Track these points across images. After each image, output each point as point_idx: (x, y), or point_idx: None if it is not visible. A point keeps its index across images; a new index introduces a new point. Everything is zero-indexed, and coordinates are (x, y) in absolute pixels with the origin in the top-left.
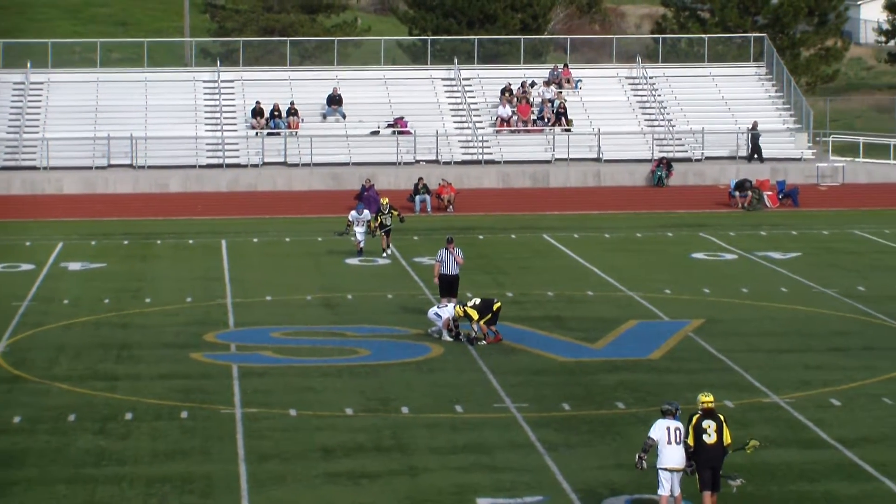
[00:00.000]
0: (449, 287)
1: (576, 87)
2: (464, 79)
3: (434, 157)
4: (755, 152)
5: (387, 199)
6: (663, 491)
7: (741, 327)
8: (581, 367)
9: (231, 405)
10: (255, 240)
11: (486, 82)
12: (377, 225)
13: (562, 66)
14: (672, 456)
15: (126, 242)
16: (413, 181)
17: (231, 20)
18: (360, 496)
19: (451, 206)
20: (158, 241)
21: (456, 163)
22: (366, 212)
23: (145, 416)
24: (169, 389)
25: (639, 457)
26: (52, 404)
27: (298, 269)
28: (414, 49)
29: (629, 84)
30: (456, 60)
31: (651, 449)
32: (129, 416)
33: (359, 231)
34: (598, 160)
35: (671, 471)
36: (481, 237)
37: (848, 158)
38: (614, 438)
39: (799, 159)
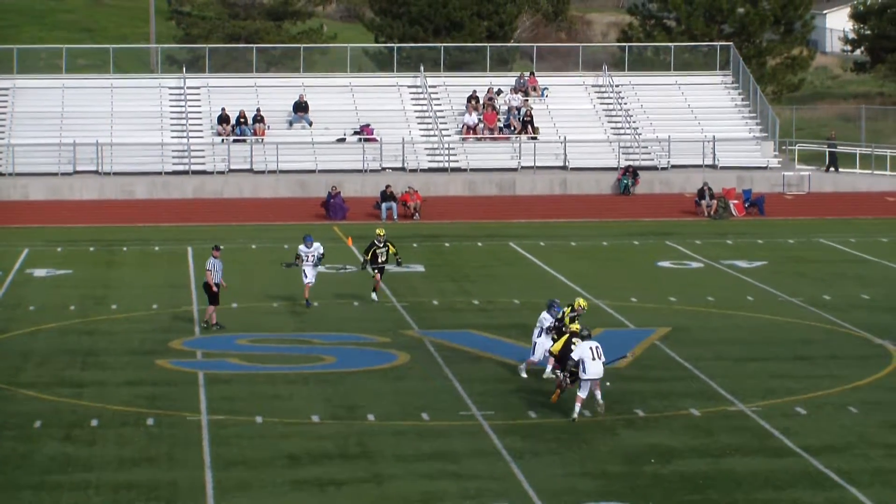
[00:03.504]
0: (215, 296)
1: (542, 94)
2: (430, 86)
3: (400, 165)
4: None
5: (384, 231)
6: (582, 393)
7: (707, 336)
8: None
9: (197, 412)
10: (222, 247)
11: (453, 90)
12: (366, 259)
13: (528, 73)
14: (595, 369)
15: (92, 249)
16: (379, 188)
17: (197, 27)
18: (327, 503)
19: (417, 214)
20: (124, 248)
21: (422, 170)
22: (316, 245)
23: (111, 422)
24: (135, 396)
25: (564, 376)
26: (17, 411)
27: (265, 276)
28: (380, 56)
29: (595, 92)
30: (422, 68)
31: (581, 365)
32: (94, 422)
33: (308, 270)
34: (564, 168)
35: (591, 379)
36: (447, 245)
37: (813, 167)
38: (580, 446)
39: (765, 168)
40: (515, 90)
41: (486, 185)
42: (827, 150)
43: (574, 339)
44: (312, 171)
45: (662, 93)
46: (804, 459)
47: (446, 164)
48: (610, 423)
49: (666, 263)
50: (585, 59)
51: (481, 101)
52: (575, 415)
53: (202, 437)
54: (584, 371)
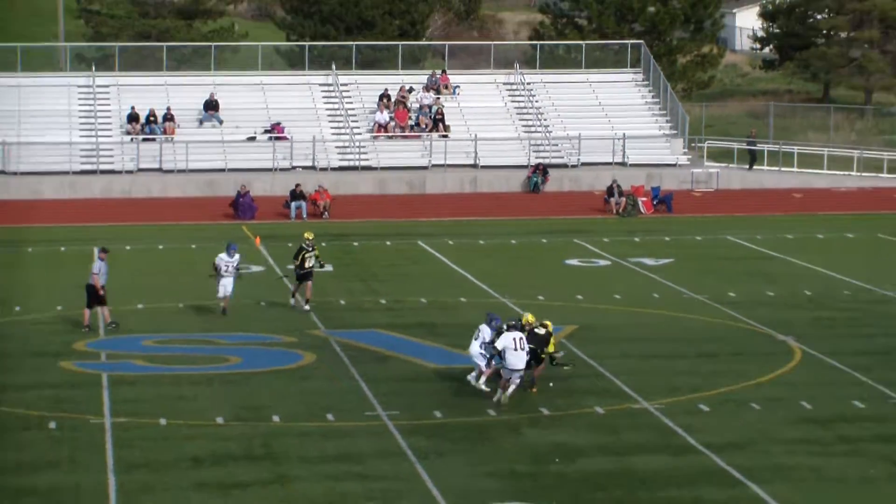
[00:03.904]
0: (101, 298)
1: (453, 93)
2: (341, 84)
3: (311, 164)
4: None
5: (311, 235)
6: (509, 377)
7: (613, 333)
8: (453, 374)
9: (100, 415)
10: (128, 247)
11: (364, 88)
12: (297, 264)
13: (440, 72)
14: (515, 360)
15: None
16: (289, 187)
17: (106, 25)
18: None
19: (326, 213)
20: (30, 249)
21: (333, 169)
22: (237, 256)
23: (12, 426)
24: (37, 399)
25: (488, 361)
26: None
27: (171, 276)
28: (291, 55)
29: (507, 90)
30: (334, 66)
31: (503, 355)
32: None
33: (226, 281)
34: (474, 166)
35: (514, 370)
36: (356, 244)
37: (723, 164)
38: (485, 446)
39: (674, 165)
40: (427, 88)
41: (397, 184)
42: (747, 147)
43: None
44: (222, 170)
45: (573, 90)
46: (707, 456)
47: (357, 163)
48: (515, 421)
49: (574, 261)
50: (497, 58)
51: (393, 100)
52: (499, 397)
53: (105, 440)
54: (505, 361)
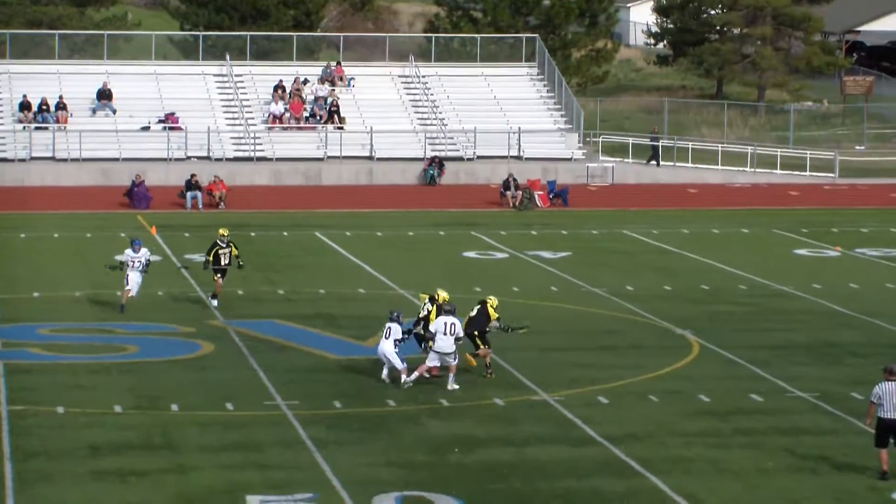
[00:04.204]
0: None
1: (349, 84)
2: (236, 75)
3: (206, 154)
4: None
5: (226, 231)
6: (431, 363)
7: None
8: (352, 364)
9: None
10: (23, 235)
11: (259, 79)
12: (208, 260)
13: (335, 63)
14: (444, 344)
15: None
16: (184, 177)
17: None
18: (128, 494)
19: (222, 203)
20: None
21: (228, 159)
22: (144, 250)
23: None
24: None
25: (426, 346)
26: None
27: (67, 265)
28: (185, 44)
29: (402, 83)
30: (228, 56)
31: (433, 337)
32: None
33: (133, 277)
34: (370, 158)
35: (441, 353)
36: (253, 234)
37: (617, 159)
38: (385, 436)
39: (569, 159)
40: (322, 80)
41: (292, 175)
42: (650, 143)
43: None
44: (116, 160)
45: (468, 84)
46: (605, 448)
47: (252, 154)
48: (414, 412)
49: (471, 254)
50: (392, 50)
51: (287, 91)
52: (409, 380)
53: (1, 428)
54: (434, 343)
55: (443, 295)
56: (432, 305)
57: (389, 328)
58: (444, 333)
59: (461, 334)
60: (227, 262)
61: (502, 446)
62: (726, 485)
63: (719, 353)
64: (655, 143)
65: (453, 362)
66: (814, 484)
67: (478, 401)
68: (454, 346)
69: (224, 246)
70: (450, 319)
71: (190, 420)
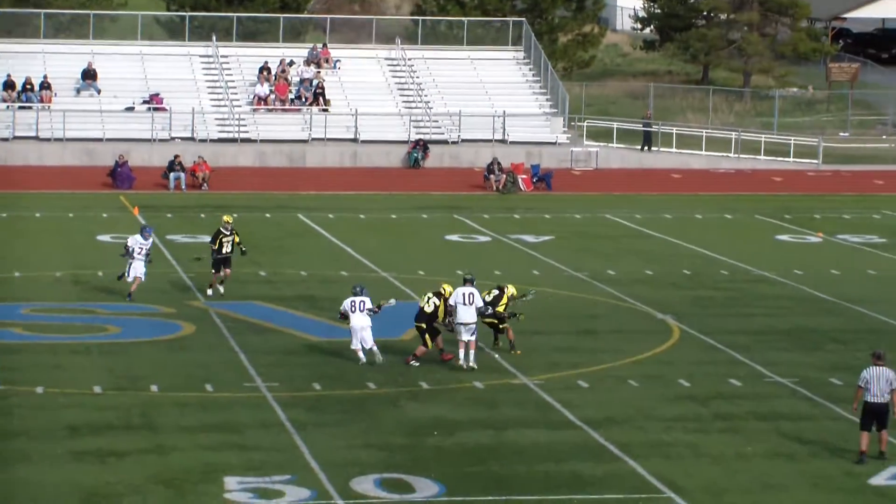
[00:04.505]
0: None
1: (334, 67)
2: (222, 56)
3: (190, 135)
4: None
5: (230, 218)
6: (462, 337)
7: None
8: (333, 347)
9: None
10: (5, 215)
11: (245, 60)
12: (214, 248)
13: (321, 45)
14: (465, 314)
15: None
16: (168, 158)
17: None
18: (107, 474)
19: (205, 184)
20: None
21: (212, 140)
22: (151, 239)
23: None
24: None
25: (448, 321)
26: None
27: (49, 245)
28: (172, 25)
29: (388, 65)
30: (214, 37)
31: (454, 310)
32: None
33: (137, 264)
34: (355, 141)
35: (464, 324)
36: (236, 216)
37: (602, 143)
38: (364, 419)
39: (554, 143)
40: (308, 62)
41: (276, 157)
42: (643, 129)
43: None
44: (100, 140)
45: (454, 67)
46: (585, 432)
47: (236, 135)
48: (394, 395)
49: (454, 237)
50: (378, 33)
51: (273, 73)
52: (461, 361)
53: None
54: (456, 315)
55: (448, 289)
56: (439, 300)
57: (363, 301)
58: (464, 304)
59: (481, 304)
60: (229, 249)
61: (481, 429)
62: (705, 469)
63: (700, 337)
64: (648, 129)
65: (472, 337)
66: (792, 469)
67: (457, 384)
68: (475, 317)
69: (228, 234)
70: (468, 290)
71: (169, 401)
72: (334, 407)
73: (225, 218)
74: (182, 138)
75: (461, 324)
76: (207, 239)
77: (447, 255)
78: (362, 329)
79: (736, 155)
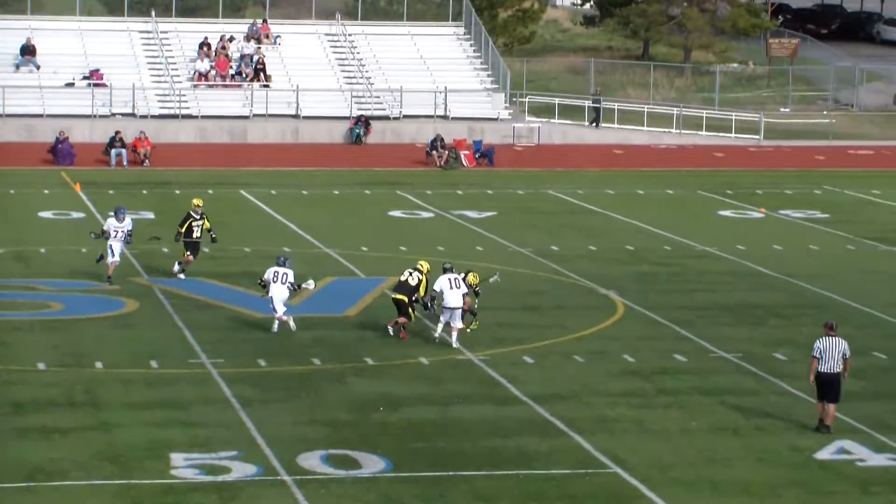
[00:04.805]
0: None
1: (275, 42)
2: (161, 32)
3: (131, 111)
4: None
5: (201, 201)
6: (454, 323)
7: None
8: (277, 323)
9: None
10: None
11: (185, 36)
12: (180, 232)
13: (261, 21)
14: (452, 298)
15: None
16: (109, 134)
17: None
18: (52, 451)
19: (147, 161)
20: None
21: (153, 116)
22: (128, 219)
23: None
24: None
25: (428, 304)
26: None
27: None
28: (111, 0)
29: (328, 41)
30: (153, 13)
31: (437, 297)
32: None
33: (115, 245)
34: (296, 117)
35: (452, 308)
36: (178, 192)
37: (543, 119)
38: (309, 394)
39: (496, 119)
40: (248, 37)
41: (218, 133)
42: (592, 105)
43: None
44: (40, 116)
45: (395, 43)
46: (530, 407)
47: (177, 111)
48: (339, 371)
49: (397, 213)
50: (318, 8)
51: (213, 48)
52: (454, 344)
53: None
54: (444, 300)
55: (426, 266)
56: (422, 276)
57: (286, 273)
58: (451, 288)
59: (465, 289)
60: (198, 235)
61: (427, 405)
62: (649, 444)
63: (643, 313)
64: (597, 105)
65: (459, 323)
66: (737, 444)
67: (402, 360)
68: (461, 301)
69: (198, 218)
70: (452, 276)
71: (114, 377)
72: (279, 383)
73: (195, 201)
74: (123, 114)
75: (450, 308)
76: (151, 215)
77: (390, 231)
78: (280, 300)
79: (678, 131)
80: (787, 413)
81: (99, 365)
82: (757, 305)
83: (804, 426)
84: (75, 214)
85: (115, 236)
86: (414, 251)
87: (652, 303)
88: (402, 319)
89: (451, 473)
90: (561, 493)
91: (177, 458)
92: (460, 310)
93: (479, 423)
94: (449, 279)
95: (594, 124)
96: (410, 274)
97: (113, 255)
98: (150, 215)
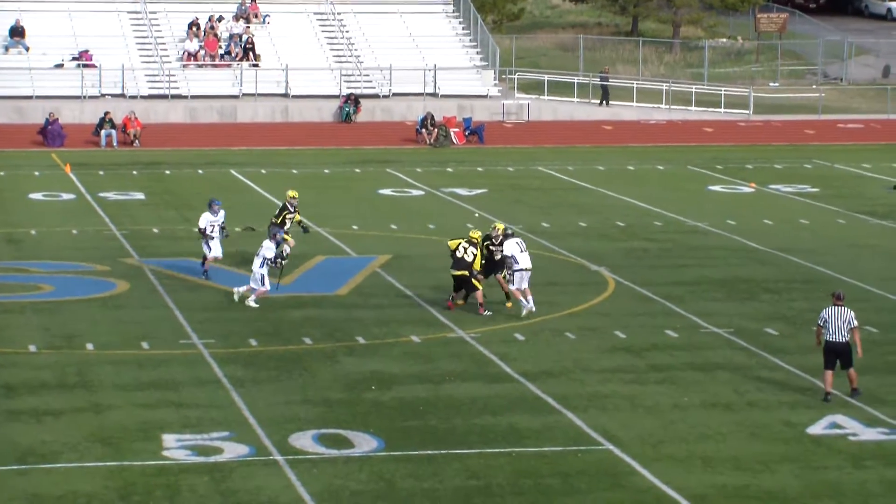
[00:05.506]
0: None
1: (263, 21)
2: (150, 12)
3: (120, 91)
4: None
5: (296, 193)
6: (515, 286)
7: (428, 263)
8: (268, 302)
9: None
10: None
11: (174, 16)
12: (275, 223)
13: (250, 0)
14: (525, 260)
15: None
16: (98, 115)
17: None
18: (43, 433)
19: (137, 141)
20: None
21: (142, 97)
22: (221, 213)
23: None
24: None
25: (506, 275)
26: None
27: None
28: None
29: (317, 20)
30: None
31: (511, 260)
32: None
33: (213, 243)
34: (286, 96)
35: (527, 269)
36: (168, 172)
37: (533, 96)
38: (301, 374)
39: (485, 96)
40: (237, 17)
41: (207, 113)
42: (600, 84)
43: (492, 247)
44: (30, 97)
45: (384, 21)
46: (522, 385)
47: (167, 91)
48: (331, 350)
49: (387, 191)
50: None
51: (202, 28)
52: (529, 307)
53: None
54: (516, 263)
55: (477, 235)
56: (476, 249)
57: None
58: (522, 251)
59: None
60: (288, 227)
61: (419, 383)
62: (641, 421)
63: (635, 289)
64: (605, 84)
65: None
66: (729, 419)
67: (394, 338)
68: (530, 262)
69: (292, 211)
70: (517, 239)
71: (105, 359)
72: (271, 363)
73: (290, 193)
74: (112, 95)
75: (523, 269)
76: (142, 196)
77: (380, 210)
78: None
79: (667, 106)
80: (780, 388)
81: (90, 346)
82: (748, 280)
83: (796, 401)
84: (66, 196)
85: (213, 231)
86: (404, 229)
87: (643, 279)
88: (480, 296)
89: (443, 452)
90: (553, 470)
91: (169, 439)
92: (530, 272)
93: (471, 401)
94: (516, 242)
95: (605, 102)
96: (465, 250)
97: (211, 251)
98: (141, 196)
